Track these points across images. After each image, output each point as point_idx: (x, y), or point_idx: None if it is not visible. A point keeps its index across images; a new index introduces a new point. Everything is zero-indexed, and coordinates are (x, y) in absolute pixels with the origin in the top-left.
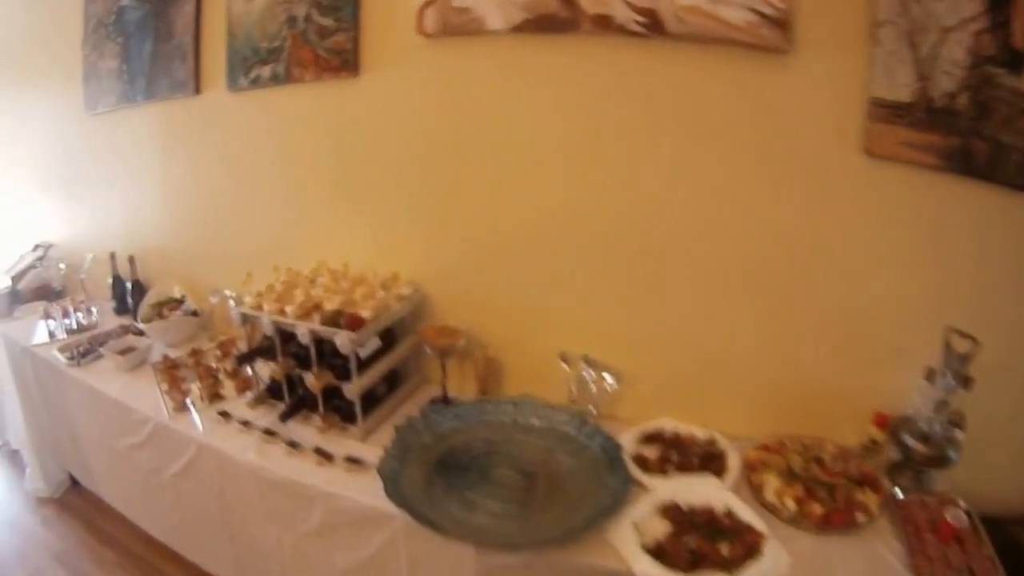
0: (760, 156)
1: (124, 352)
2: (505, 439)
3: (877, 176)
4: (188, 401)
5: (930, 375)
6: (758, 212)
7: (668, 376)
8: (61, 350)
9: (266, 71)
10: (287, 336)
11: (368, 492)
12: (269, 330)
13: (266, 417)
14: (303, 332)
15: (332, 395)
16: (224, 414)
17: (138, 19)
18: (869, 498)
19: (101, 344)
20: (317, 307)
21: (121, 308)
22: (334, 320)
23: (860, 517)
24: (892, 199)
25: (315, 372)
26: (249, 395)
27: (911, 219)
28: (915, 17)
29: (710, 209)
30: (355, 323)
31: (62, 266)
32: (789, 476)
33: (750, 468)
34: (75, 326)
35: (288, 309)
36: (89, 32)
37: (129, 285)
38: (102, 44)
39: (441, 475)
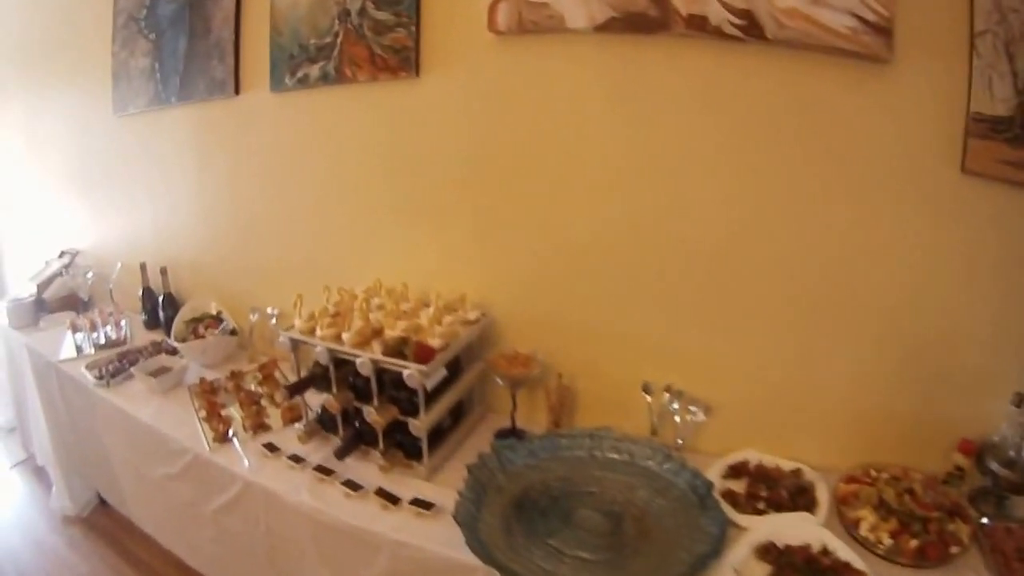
0: (851, 172)
1: (157, 373)
2: (584, 476)
3: (971, 194)
4: (230, 432)
5: (1019, 400)
6: (846, 231)
7: (750, 405)
8: (89, 367)
9: (314, 70)
10: (339, 362)
11: (441, 540)
12: (324, 359)
13: (318, 452)
14: (364, 363)
15: (393, 429)
16: (271, 447)
17: (172, 14)
18: (960, 528)
19: (132, 363)
20: (377, 333)
21: (152, 322)
22: (398, 349)
23: (954, 549)
24: (984, 218)
25: (377, 406)
26: (298, 427)
27: (1003, 240)
28: (1013, 27)
29: (795, 228)
30: (424, 353)
31: (90, 275)
32: (883, 509)
33: (842, 502)
34: (103, 341)
35: (345, 336)
36: (119, 28)
37: (161, 298)
38: (133, 41)
39: (519, 520)
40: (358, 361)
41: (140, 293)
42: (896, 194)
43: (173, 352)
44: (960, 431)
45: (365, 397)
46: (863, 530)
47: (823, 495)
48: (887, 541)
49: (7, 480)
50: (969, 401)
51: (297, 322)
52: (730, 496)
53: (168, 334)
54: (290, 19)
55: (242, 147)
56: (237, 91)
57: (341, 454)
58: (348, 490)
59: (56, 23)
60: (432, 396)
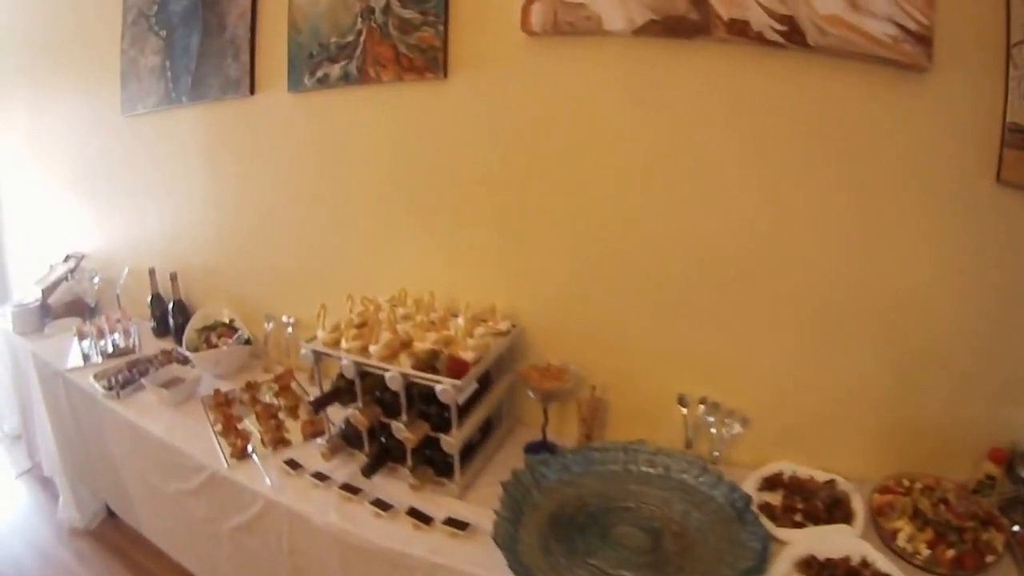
0: (884, 181)
1: (169, 384)
2: (619, 491)
3: (1007, 204)
4: (249, 448)
5: None
6: (876, 241)
7: (781, 416)
8: (98, 377)
9: (335, 70)
10: (364, 374)
11: (479, 562)
12: (350, 372)
13: (342, 469)
14: (394, 377)
15: (423, 445)
16: (292, 464)
17: (184, 10)
18: (994, 537)
19: (142, 373)
20: (405, 345)
21: (161, 330)
22: (430, 363)
23: (989, 558)
24: (1021, 228)
25: (406, 421)
26: (320, 442)
27: None
28: None
29: (824, 237)
30: (457, 367)
31: (96, 280)
32: (919, 520)
33: (878, 512)
34: (111, 349)
35: (373, 348)
36: (128, 25)
37: (170, 305)
38: (142, 38)
39: (558, 539)
40: (387, 375)
41: (149, 299)
42: (930, 203)
43: (184, 362)
44: (990, 440)
45: (393, 412)
46: (901, 541)
47: (859, 506)
48: (924, 551)
49: (12, 490)
50: (999, 410)
51: (320, 333)
52: (767, 509)
53: (178, 342)
54: (310, 16)
55: (257, 148)
56: (252, 90)
57: (368, 472)
58: (378, 510)
59: (62, 21)
60: (463, 410)
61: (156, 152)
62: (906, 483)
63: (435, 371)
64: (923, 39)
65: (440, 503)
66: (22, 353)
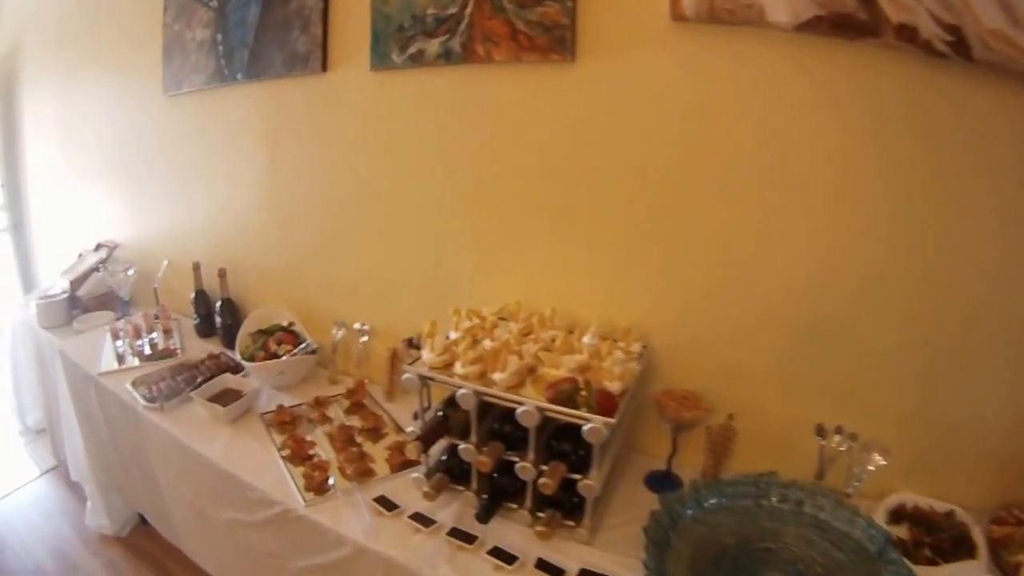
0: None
1: (223, 398)
2: (755, 529)
3: None
4: (330, 480)
5: None
6: (1003, 267)
7: (908, 445)
8: (136, 384)
9: (433, 45)
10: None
11: None
12: (469, 403)
13: (445, 509)
14: (529, 412)
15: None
16: (385, 502)
17: None
18: None
19: (188, 381)
20: (531, 371)
21: (205, 329)
22: (570, 395)
23: None
24: None
25: (533, 460)
26: (417, 476)
27: None
28: None
29: (949, 261)
30: (607, 402)
31: (131, 272)
32: None
33: (1000, 545)
34: (149, 350)
35: (498, 376)
36: None
37: (218, 304)
38: (190, 10)
39: None
40: (520, 410)
41: (192, 296)
42: None
43: (237, 370)
44: None
45: (512, 446)
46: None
47: (979, 539)
48: None
49: (35, 490)
50: None
51: (426, 354)
52: (899, 544)
53: (226, 344)
54: None
55: (328, 132)
56: (325, 67)
57: (484, 516)
58: (499, 562)
59: None
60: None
61: (203, 135)
62: (1016, 513)
63: (573, 404)
64: None
65: (567, 550)
66: (48, 348)
